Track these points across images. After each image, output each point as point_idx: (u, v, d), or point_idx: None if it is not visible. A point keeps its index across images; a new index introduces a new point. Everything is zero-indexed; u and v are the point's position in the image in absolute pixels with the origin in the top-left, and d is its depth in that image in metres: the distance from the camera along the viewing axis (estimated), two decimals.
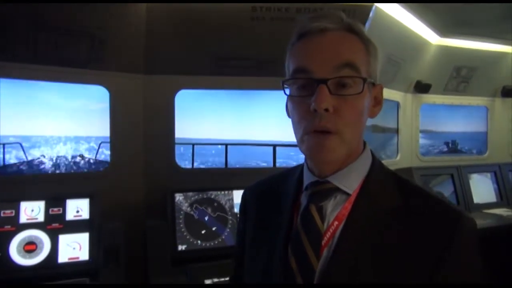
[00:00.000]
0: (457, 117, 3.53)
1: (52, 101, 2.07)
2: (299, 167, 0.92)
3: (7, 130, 1.96)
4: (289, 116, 0.85)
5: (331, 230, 0.78)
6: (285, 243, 0.82)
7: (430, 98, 3.34)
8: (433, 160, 3.36)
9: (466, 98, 3.52)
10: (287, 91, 0.81)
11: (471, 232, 0.75)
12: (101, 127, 2.17)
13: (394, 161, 3.08)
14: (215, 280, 1.82)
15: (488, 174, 3.34)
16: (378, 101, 0.85)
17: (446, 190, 3.13)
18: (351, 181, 0.81)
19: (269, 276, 0.82)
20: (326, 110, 0.73)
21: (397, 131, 3.14)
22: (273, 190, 0.95)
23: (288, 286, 0.78)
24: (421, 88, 3.16)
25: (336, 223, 0.79)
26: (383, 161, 0.88)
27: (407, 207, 0.77)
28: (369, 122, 2.85)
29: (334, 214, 0.80)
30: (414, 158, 3.28)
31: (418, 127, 3.31)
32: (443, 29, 2.80)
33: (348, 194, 0.80)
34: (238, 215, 1.07)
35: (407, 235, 0.74)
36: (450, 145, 3.51)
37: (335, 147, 0.75)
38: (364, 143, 0.86)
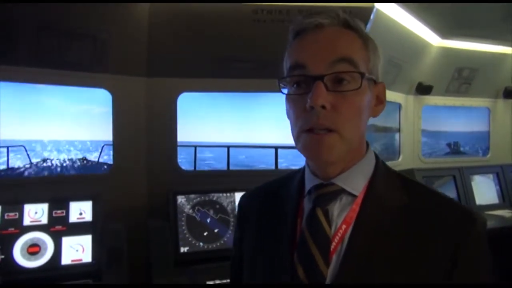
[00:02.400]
0: (459, 118, 3.53)
1: (55, 106, 2.09)
2: (300, 171, 0.89)
3: (10, 135, 1.98)
4: (287, 115, 0.82)
5: (339, 234, 0.76)
6: (290, 250, 0.79)
7: (432, 99, 3.34)
8: (435, 162, 3.36)
9: (468, 100, 3.52)
10: (285, 90, 0.79)
11: (483, 229, 0.74)
12: (105, 131, 2.19)
13: (396, 163, 3.08)
14: (217, 281, 1.83)
15: (491, 175, 3.33)
16: (380, 100, 0.82)
17: (448, 191, 3.12)
18: (356, 182, 0.79)
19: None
20: (323, 107, 0.71)
21: (399, 132, 3.15)
22: (273, 196, 0.91)
23: (290, 286, 0.76)
24: (423, 89, 3.16)
25: (344, 226, 0.76)
26: None
27: (415, 206, 0.76)
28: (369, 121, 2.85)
29: (341, 217, 0.77)
30: (416, 160, 3.28)
31: (420, 128, 3.31)
32: (444, 31, 2.81)
33: (354, 196, 0.78)
34: (235, 223, 1.02)
35: (417, 235, 0.72)
36: (452, 146, 3.51)
37: (334, 144, 0.73)
38: (367, 144, 0.84)
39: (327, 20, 0.75)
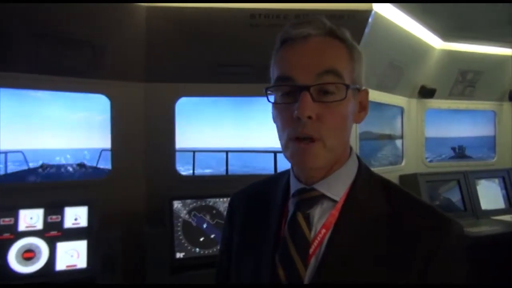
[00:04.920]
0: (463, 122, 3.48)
1: (54, 114, 2.10)
2: (287, 173, 0.90)
3: (9, 144, 2.00)
4: (274, 122, 0.85)
5: (318, 238, 0.78)
6: (272, 252, 0.81)
7: (435, 103, 3.30)
8: (439, 166, 3.31)
9: (473, 103, 3.47)
10: (271, 98, 0.80)
11: (457, 237, 0.75)
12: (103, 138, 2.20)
13: (399, 167, 3.04)
14: None
15: (496, 180, 3.27)
16: (363, 107, 0.84)
17: (453, 196, 3.07)
18: (337, 188, 0.80)
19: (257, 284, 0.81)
20: (309, 117, 0.73)
21: (402, 136, 3.11)
22: (261, 196, 0.93)
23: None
24: (426, 93, 3.12)
25: (323, 231, 0.78)
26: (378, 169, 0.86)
27: (395, 212, 0.77)
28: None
29: (321, 222, 0.79)
30: (420, 164, 3.23)
31: (423, 132, 3.27)
32: (446, 34, 2.78)
33: (335, 201, 0.80)
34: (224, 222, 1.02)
35: (395, 241, 0.74)
36: (457, 150, 3.45)
37: (318, 153, 0.75)
38: (350, 149, 0.86)
39: (313, 31, 0.77)
